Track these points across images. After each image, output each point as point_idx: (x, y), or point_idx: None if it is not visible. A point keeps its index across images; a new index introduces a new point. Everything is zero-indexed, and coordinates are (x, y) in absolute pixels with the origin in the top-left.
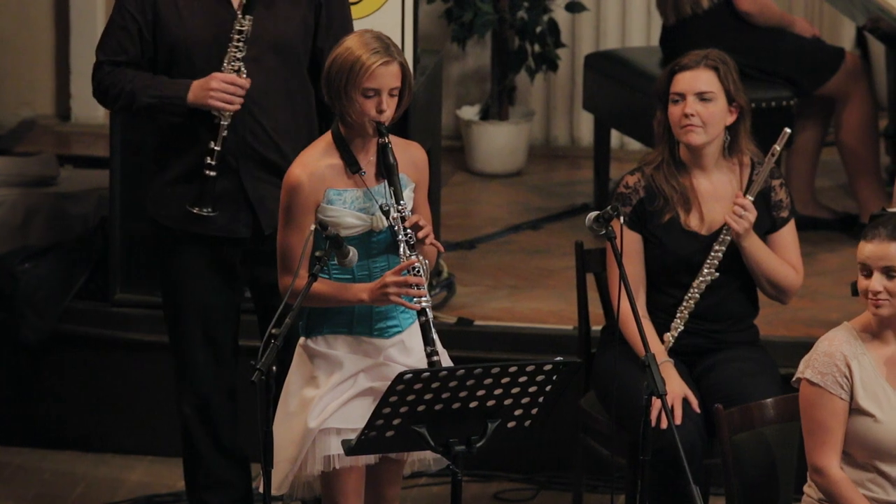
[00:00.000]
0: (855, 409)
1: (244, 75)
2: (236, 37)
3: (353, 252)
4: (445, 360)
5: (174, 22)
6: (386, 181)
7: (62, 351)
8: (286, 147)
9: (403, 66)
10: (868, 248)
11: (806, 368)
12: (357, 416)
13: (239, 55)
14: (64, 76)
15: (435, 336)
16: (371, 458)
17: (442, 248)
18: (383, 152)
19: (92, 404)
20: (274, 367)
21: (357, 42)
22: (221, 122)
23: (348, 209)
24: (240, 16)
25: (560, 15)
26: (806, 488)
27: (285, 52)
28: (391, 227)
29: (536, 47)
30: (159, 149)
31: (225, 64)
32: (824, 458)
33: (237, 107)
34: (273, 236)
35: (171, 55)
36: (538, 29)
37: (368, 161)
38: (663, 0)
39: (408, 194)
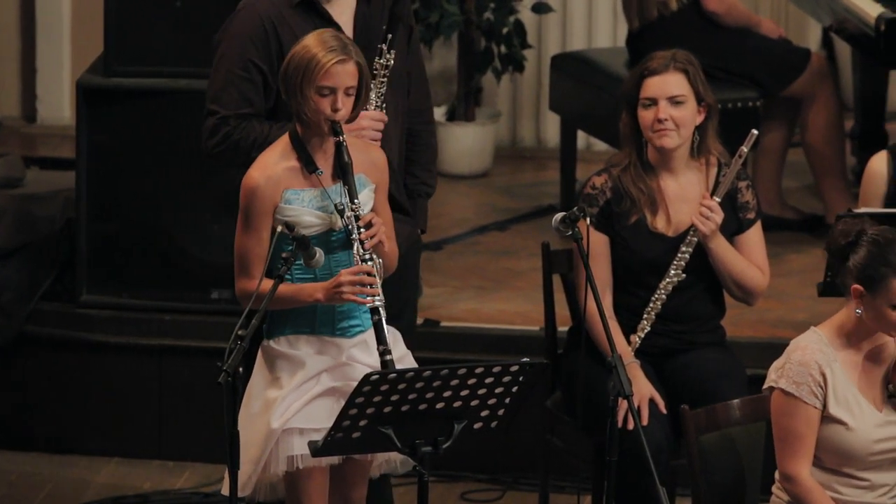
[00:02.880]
0: (827, 417)
1: (383, 110)
2: (383, 72)
3: (319, 253)
4: (410, 362)
5: None
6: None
7: (29, 352)
8: (399, 179)
9: (360, 65)
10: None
11: (780, 378)
12: (320, 416)
13: (383, 90)
14: (30, 78)
15: (395, 335)
16: (334, 459)
17: (385, 247)
18: (338, 151)
19: (58, 405)
20: (241, 369)
21: (314, 40)
22: None
23: (307, 208)
24: (385, 51)
25: (526, 16)
26: (775, 489)
27: (398, 82)
28: (345, 226)
29: (503, 48)
30: None
31: (373, 99)
32: (796, 465)
33: (378, 143)
34: None
35: None
36: (504, 30)
37: (326, 160)
38: (628, 5)
39: (367, 194)
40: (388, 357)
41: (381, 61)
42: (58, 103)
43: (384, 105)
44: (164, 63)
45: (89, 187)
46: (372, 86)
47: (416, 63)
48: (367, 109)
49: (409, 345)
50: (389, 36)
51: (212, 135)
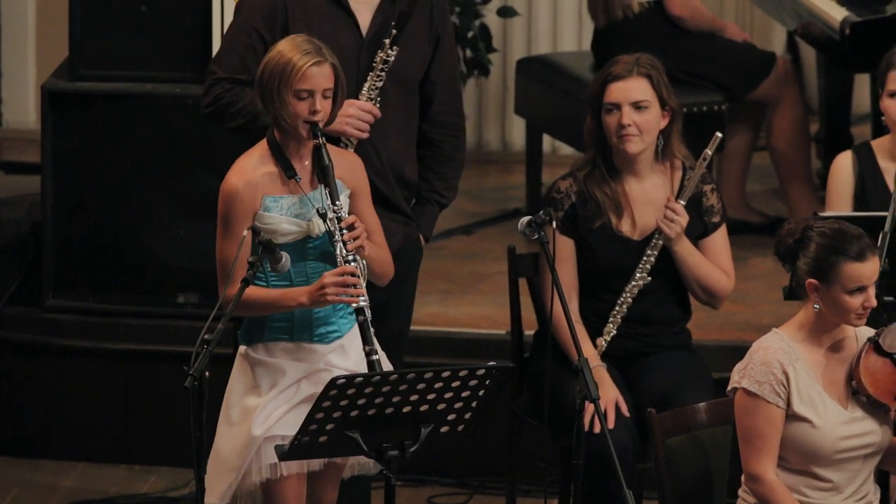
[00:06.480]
0: (791, 416)
1: (377, 105)
2: (381, 66)
3: (285, 257)
4: (385, 362)
5: None
6: (322, 185)
7: None
8: (393, 178)
9: (336, 67)
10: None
11: (742, 378)
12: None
13: (379, 84)
14: None
15: (373, 336)
16: (315, 464)
17: (366, 251)
18: (318, 153)
19: (24, 410)
20: (207, 373)
21: (288, 45)
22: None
23: (285, 216)
24: (387, 46)
25: (492, 20)
26: (741, 492)
27: (406, 85)
28: (328, 228)
29: (468, 52)
30: None
31: (364, 91)
32: (760, 465)
33: (366, 135)
34: None
35: None
36: (470, 34)
37: (303, 167)
38: (594, 3)
39: (343, 199)
40: (374, 357)
41: (381, 55)
42: (23, 107)
43: (378, 100)
44: (129, 67)
45: (55, 191)
46: (368, 77)
47: (444, 74)
48: (359, 99)
49: (399, 350)
50: (394, 32)
51: (205, 94)
